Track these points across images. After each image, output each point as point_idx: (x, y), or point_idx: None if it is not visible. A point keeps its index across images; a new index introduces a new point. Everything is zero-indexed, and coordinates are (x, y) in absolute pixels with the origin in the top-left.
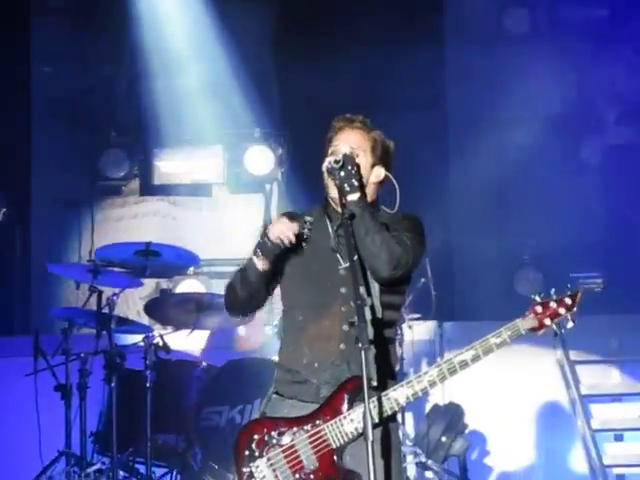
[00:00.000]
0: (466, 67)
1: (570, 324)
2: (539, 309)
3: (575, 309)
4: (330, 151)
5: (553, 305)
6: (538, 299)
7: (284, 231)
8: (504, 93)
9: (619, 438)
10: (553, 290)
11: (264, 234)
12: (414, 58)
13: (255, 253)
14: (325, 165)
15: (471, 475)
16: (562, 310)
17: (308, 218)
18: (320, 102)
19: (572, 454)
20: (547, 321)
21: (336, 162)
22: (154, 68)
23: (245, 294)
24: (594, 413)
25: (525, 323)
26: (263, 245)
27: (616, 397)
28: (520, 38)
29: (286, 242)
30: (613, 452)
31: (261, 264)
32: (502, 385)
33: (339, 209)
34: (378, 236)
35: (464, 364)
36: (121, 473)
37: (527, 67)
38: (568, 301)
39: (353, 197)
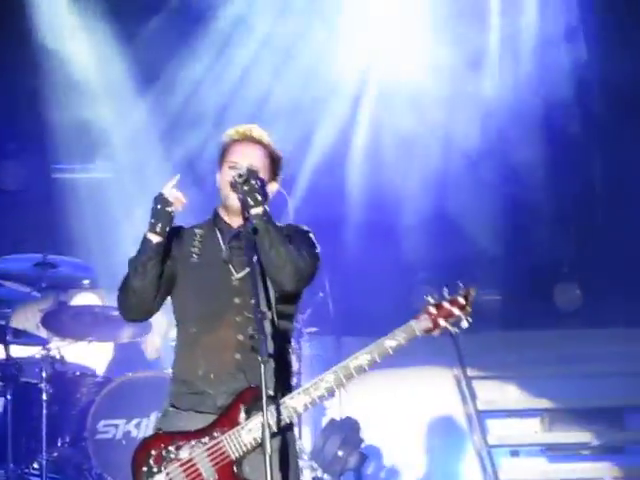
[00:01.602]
0: None
1: (464, 323)
2: (433, 310)
3: (469, 308)
4: (228, 165)
5: (447, 305)
6: (432, 300)
7: (179, 195)
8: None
9: (515, 454)
10: (446, 290)
11: (160, 200)
12: None
13: (150, 227)
14: (228, 179)
15: None
16: (456, 310)
17: (198, 231)
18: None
19: (468, 469)
20: (442, 322)
21: (240, 176)
22: (56, 81)
23: (139, 284)
24: (490, 429)
25: (420, 324)
26: (159, 213)
27: (513, 413)
28: None
29: (179, 206)
30: (509, 468)
31: (156, 238)
32: (399, 400)
33: (231, 220)
34: (283, 249)
35: (360, 369)
36: None
37: None
38: (462, 301)
39: (257, 210)
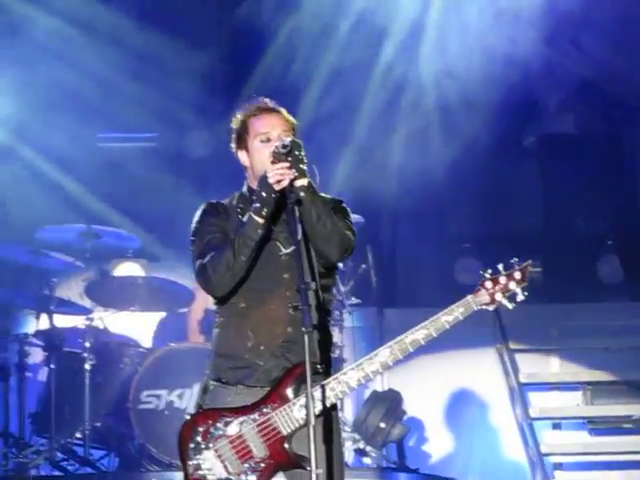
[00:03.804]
0: None
1: (520, 297)
2: (489, 285)
3: (525, 282)
4: (260, 139)
5: (503, 280)
6: (487, 275)
7: (285, 172)
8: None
9: (557, 427)
10: (501, 265)
11: (265, 187)
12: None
13: (257, 211)
14: (271, 150)
15: (409, 461)
16: (512, 284)
17: (239, 206)
18: None
19: (510, 442)
20: (498, 296)
21: (284, 147)
22: None
23: (244, 263)
24: (532, 401)
25: (477, 299)
26: (265, 200)
27: (555, 386)
28: None
29: (286, 182)
30: (551, 441)
31: (262, 220)
32: (441, 372)
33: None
34: (329, 220)
35: (416, 343)
36: (59, 455)
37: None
38: (518, 275)
39: (303, 182)
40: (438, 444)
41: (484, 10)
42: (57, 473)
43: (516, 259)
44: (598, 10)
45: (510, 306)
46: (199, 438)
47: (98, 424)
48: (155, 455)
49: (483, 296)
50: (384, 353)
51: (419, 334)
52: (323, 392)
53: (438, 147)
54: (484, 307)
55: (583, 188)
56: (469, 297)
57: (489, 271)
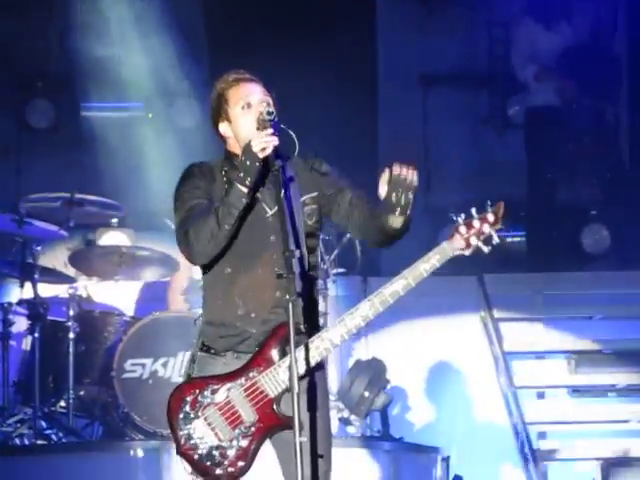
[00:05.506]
0: (396, 22)
1: (496, 240)
2: (463, 229)
3: (499, 225)
4: (242, 103)
5: (477, 224)
6: (460, 220)
7: (269, 139)
8: (432, 49)
9: (541, 396)
10: (474, 209)
11: (249, 156)
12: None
13: (240, 180)
14: (257, 116)
15: (393, 430)
16: (486, 227)
17: (224, 169)
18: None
19: (494, 411)
20: (473, 240)
21: (269, 113)
22: (84, 21)
23: (228, 232)
24: (516, 370)
25: (452, 245)
26: (248, 168)
27: (539, 354)
28: None
29: (269, 149)
30: (535, 409)
31: (246, 189)
32: (424, 341)
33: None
34: None
35: (396, 294)
36: (43, 424)
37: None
38: (491, 218)
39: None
40: (421, 413)
41: None
42: (41, 442)
43: (488, 202)
44: None
45: (486, 249)
46: (187, 408)
47: (82, 393)
48: (139, 424)
49: (458, 241)
50: (365, 306)
51: (398, 285)
52: (307, 351)
53: (422, 117)
54: (460, 252)
55: (567, 157)
56: (444, 243)
57: (462, 216)
